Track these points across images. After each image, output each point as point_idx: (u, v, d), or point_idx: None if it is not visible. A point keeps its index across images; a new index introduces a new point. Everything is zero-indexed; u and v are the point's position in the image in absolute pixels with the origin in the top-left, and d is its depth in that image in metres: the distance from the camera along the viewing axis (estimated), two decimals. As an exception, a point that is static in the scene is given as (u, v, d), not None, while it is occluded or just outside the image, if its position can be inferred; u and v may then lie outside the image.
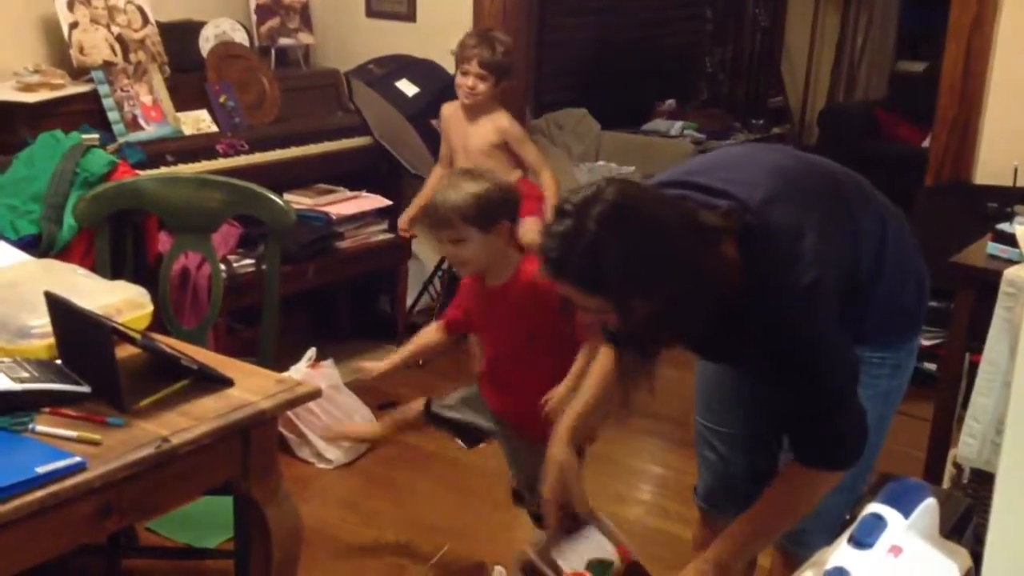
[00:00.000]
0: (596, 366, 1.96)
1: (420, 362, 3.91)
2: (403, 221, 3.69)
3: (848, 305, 1.58)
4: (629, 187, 1.50)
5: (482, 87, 3.36)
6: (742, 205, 1.52)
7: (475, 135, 3.45)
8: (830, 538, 1.73)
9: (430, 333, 2.43)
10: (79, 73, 3.52)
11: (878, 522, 1.11)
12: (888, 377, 1.76)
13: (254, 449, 1.80)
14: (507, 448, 2.43)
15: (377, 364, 2.45)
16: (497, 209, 2.13)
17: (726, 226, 1.50)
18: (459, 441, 2.47)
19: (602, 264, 1.43)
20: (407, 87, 3.77)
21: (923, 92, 4.55)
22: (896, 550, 1.09)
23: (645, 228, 1.45)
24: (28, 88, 3.29)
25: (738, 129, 6.54)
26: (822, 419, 1.58)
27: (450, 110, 3.54)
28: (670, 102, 6.30)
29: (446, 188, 2.14)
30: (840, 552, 1.09)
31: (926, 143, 4.12)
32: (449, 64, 3.99)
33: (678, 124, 5.97)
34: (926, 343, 3.10)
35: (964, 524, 1.23)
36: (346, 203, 3.77)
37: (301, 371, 3.11)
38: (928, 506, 1.15)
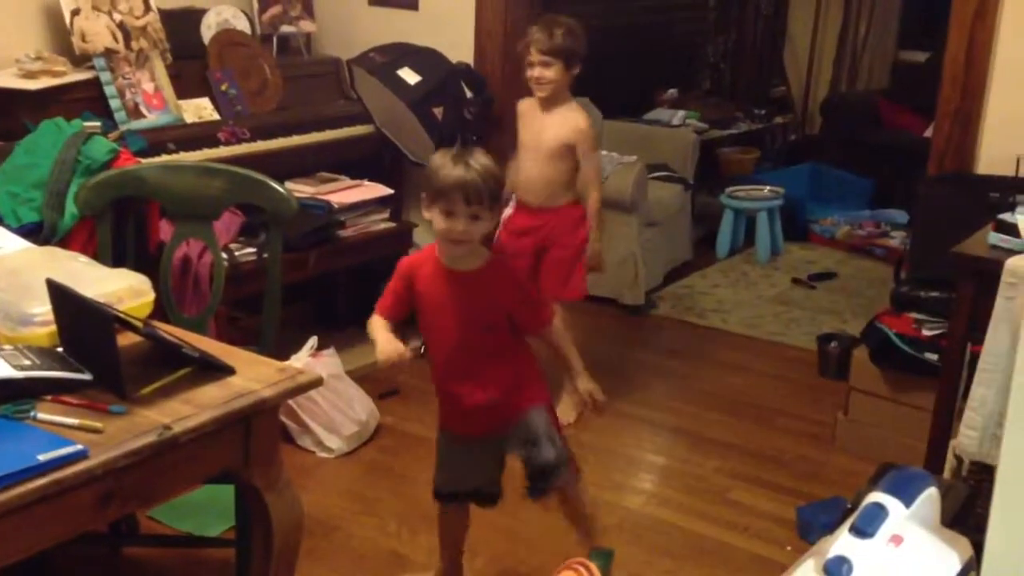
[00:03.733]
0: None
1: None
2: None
3: None
4: None
5: (549, 74, 3.21)
6: None
7: (549, 129, 3.31)
8: None
9: (377, 325, 2.28)
10: (81, 60, 3.51)
11: (879, 511, 1.11)
12: None
13: (256, 437, 1.79)
14: (452, 453, 2.41)
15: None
16: (500, 191, 2.18)
17: None
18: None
19: None
20: (409, 75, 3.76)
21: (926, 82, 4.54)
22: (897, 539, 1.09)
23: None
24: (30, 75, 3.28)
25: (740, 119, 6.53)
26: None
27: (526, 105, 3.40)
28: (672, 91, 6.28)
29: (468, 163, 2.10)
30: (841, 541, 1.10)
31: (928, 133, 4.11)
32: (450, 51, 3.99)
33: (680, 113, 5.95)
34: (927, 333, 3.11)
35: (966, 513, 1.23)
36: (348, 192, 3.76)
37: (302, 360, 3.11)
38: (929, 495, 1.15)
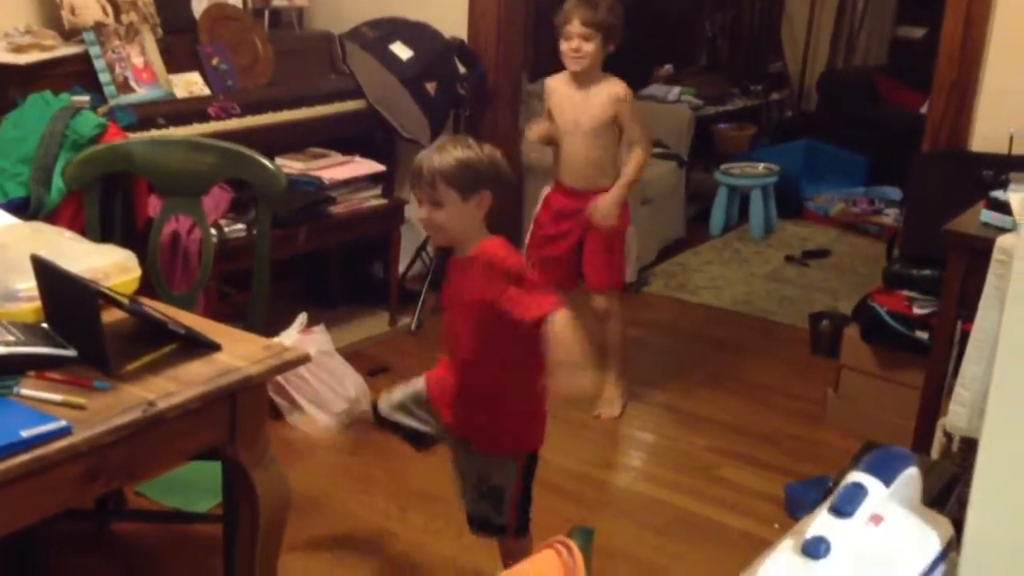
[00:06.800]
0: None
1: (412, 327, 3.94)
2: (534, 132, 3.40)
3: None
4: None
5: (588, 47, 3.11)
6: None
7: (587, 108, 3.21)
8: None
9: None
10: (70, 34, 3.47)
11: (858, 491, 1.11)
12: None
13: (241, 414, 1.79)
14: (453, 458, 2.34)
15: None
16: (481, 177, 2.05)
17: None
18: (409, 444, 2.40)
19: None
20: (401, 50, 3.73)
21: (923, 57, 4.52)
22: (877, 519, 1.09)
23: None
24: (19, 49, 3.25)
25: (737, 95, 6.50)
26: None
27: (556, 83, 3.28)
28: (668, 67, 6.25)
29: (433, 150, 2.08)
30: (820, 521, 1.09)
31: (925, 109, 4.09)
32: (443, 26, 3.96)
33: (676, 89, 5.93)
34: (919, 311, 3.11)
35: (948, 493, 1.23)
36: (339, 168, 3.74)
37: (292, 336, 3.11)
38: (910, 475, 1.15)
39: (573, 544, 1.15)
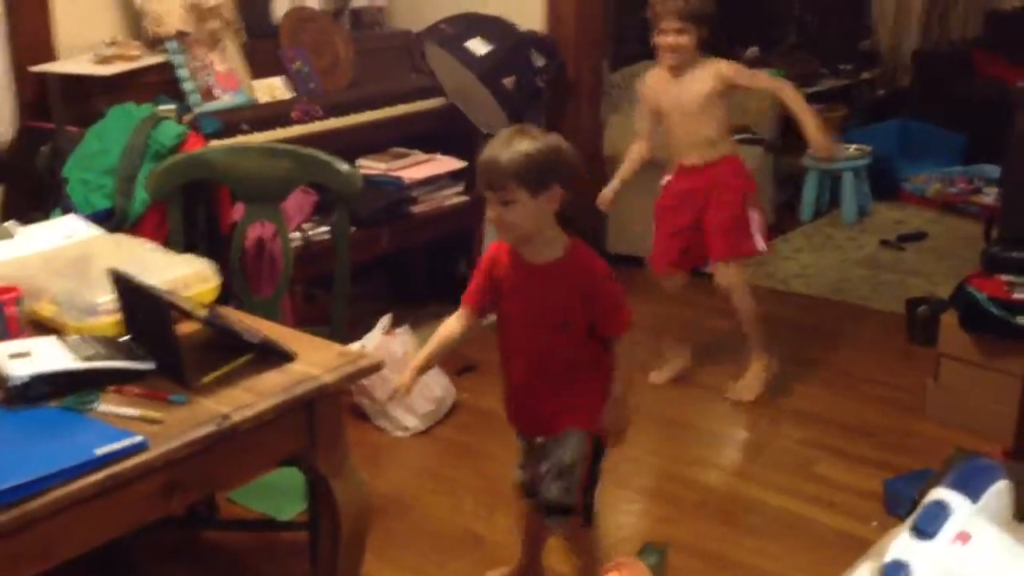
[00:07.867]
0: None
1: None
2: (604, 198, 3.40)
3: None
4: None
5: (684, 41, 3.12)
6: None
7: (688, 91, 3.20)
8: None
9: (450, 324, 2.22)
10: (154, 44, 3.53)
11: (941, 510, 1.03)
12: None
13: (319, 423, 1.79)
14: (524, 462, 2.32)
15: (401, 380, 2.23)
16: (549, 171, 2.00)
17: None
18: None
19: None
20: (478, 46, 3.70)
21: (1020, 29, 4.31)
22: (964, 537, 1.02)
23: None
24: (104, 60, 3.31)
25: (826, 75, 6.31)
26: None
27: (652, 79, 3.30)
28: (753, 50, 6.09)
29: (500, 145, 2.02)
30: (900, 542, 1.02)
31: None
32: (521, 17, 3.91)
33: (763, 72, 5.77)
34: (1019, 296, 2.96)
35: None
36: (419, 167, 3.73)
37: (376, 339, 3.11)
38: (999, 489, 1.07)
39: (642, 566, 1.10)
